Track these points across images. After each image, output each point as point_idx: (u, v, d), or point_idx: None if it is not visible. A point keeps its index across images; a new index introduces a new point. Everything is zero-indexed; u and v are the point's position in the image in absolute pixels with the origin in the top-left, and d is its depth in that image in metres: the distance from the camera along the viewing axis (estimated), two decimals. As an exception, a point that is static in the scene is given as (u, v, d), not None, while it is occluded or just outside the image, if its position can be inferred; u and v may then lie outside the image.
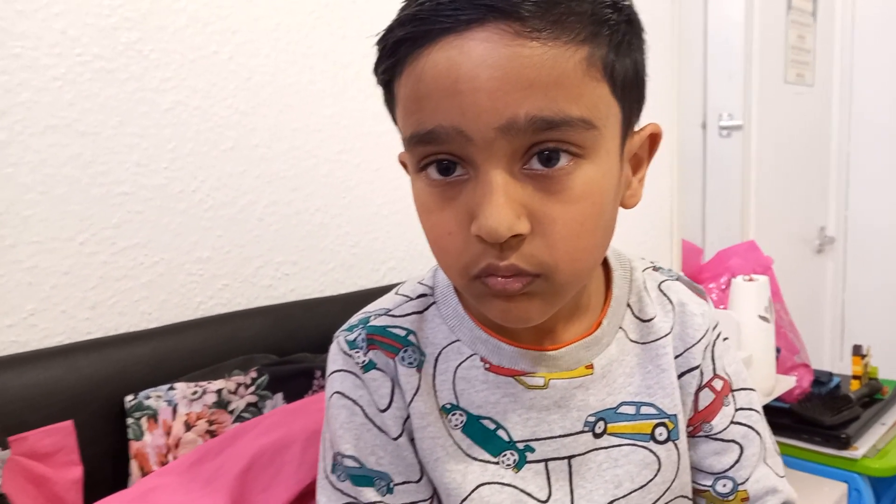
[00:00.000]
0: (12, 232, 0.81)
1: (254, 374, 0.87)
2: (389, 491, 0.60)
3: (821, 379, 1.91)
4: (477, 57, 0.46)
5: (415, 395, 0.60)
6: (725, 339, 0.68)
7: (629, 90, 0.53)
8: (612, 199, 0.53)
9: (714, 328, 0.66)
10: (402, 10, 0.50)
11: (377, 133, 1.17)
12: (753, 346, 1.50)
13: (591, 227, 0.51)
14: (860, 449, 1.64)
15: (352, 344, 0.62)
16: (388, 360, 0.61)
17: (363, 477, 0.60)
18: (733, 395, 0.66)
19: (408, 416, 0.60)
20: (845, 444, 1.64)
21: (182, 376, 0.85)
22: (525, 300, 0.51)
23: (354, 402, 0.61)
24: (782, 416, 1.72)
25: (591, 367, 0.60)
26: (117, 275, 0.89)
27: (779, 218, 2.49)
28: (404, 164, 0.59)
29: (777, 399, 1.61)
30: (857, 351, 1.90)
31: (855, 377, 1.89)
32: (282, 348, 0.96)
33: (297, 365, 0.91)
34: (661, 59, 1.78)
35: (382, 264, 1.21)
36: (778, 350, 1.67)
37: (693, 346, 0.64)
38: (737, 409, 0.66)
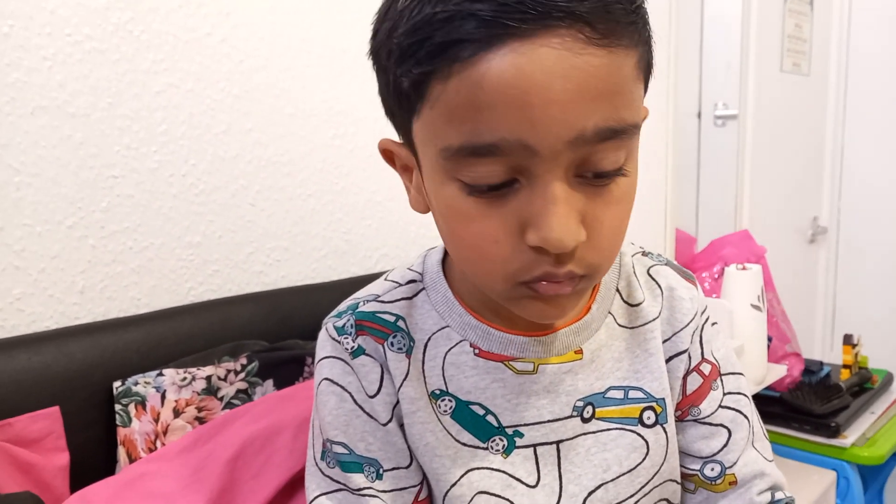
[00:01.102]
0: (1, 215, 0.80)
1: (244, 361, 0.87)
2: (379, 477, 0.60)
3: (811, 368, 1.92)
4: (549, 66, 0.43)
5: (404, 380, 0.60)
6: (714, 323, 0.68)
7: (647, 84, 0.54)
8: (634, 197, 0.54)
9: (702, 312, 0.67)
10: (448, 2, 0.43)
11: (372, 119, 1.16)
12: (745, 334, 1.50)
13: (626, 226, 0.52)
14: (849, 437, 1.65)
15: (340, 330, 0.61)
16: (377, 346, 0.61)
17: (352, 463, 0.60)
18: (721, 380, 0.66)
19: (397, 402, 0.61)
20: (835, 432, 1.65)
21: (172, 362, 0.85)
22: (566, 299, 0.52)
23: (343, 388, 0.61)
24: (773, 405, 1.73)
25: (580, 352, 0.61)
26: (107, 259, 0.89)
27: (772, 207, 2.49)
28: (389, 154, 0.58)
29: (768, 388, 1.62)
30: (848, 340, 1.91)
31: (845, 366, 1.89)
32: (273, 335, 0.96)
33: (288, 351, 0.91)
34: (656, 48, 1.77)
35: (375, 251, 1.20)
36: (769, 339, 1.68)
37: (681, 330, 0.64)
38: (725, 394, 0.66)
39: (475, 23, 0.43)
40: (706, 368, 0.66)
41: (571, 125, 0.44)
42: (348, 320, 0.62)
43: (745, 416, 0.66)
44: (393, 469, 0.61)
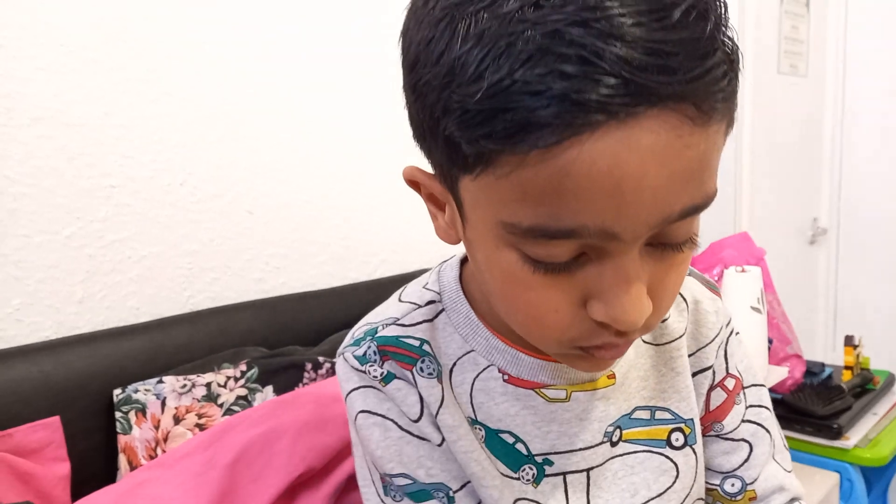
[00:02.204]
0: (-2, 225, 0.80)
1: (243, 368, 0.87)
2: (451, 500, 0.56)
3: (813, 369, 1.91)
4: (648, 153, 0.37)
5: (440, 406, 0.55)
6: (738, 333, 0.65)
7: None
8: None
9: (727, 325, 0.64)
10: (530, 68, 0.36)
11: (369, 125, 1.16)
12: (746, 336, 1.50)
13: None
14: (852, 439, 1.64)
15: (362, 359, 0.56)
16: (405, 372, 0.56)
17: (420, 491, 0.56)
18: (744, 393, 0.64)
19: (438, 428, 0.56)
20: (837, 434, 1.65)
21: (171, 370, 0.85)
22: (618, 356, 0.49)
23: (384, 416, 0.56)
24: (774, 407, 1.71)
25: (612, 376, 0.57)
26: (105, 269, 0.89)
27: (772, 209, 2.49)
28: (414, 183, 0.51)
29: (769, 390, 1.61)
30: (849, 341, 1.90)
31: (847, 367, 1.89)
32: (272, 341, 0.96)
33: (288, 358, 0.91)
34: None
35: (374, 257, 1.20)
36: (770, 341, 1.67)
37: (706, 345, 0.61)
38: (747, 407, 0.64)
39: (567, 103, 0.35)
40: (730, 383, 0.63)
41: (660, 211, 0.40)
42: (369, 347, 0.56)
43: (767, 430, 0.64)
44: (462, 488, 0.57)
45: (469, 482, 0.57)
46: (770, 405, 0.66)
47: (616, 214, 0.39)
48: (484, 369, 0.56)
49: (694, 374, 0.61)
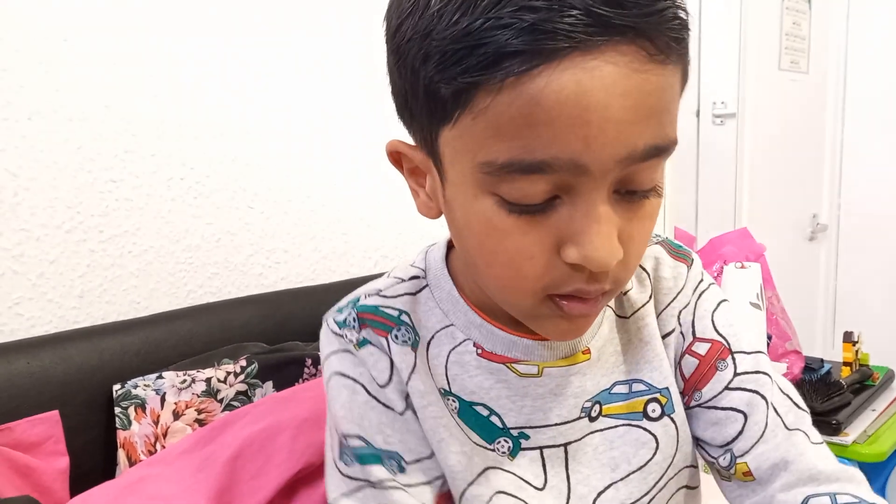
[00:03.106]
0: (-2, 219, 0.80)
1: (243, 363, 0.87)
2: (401, 470, 0.57)
3: (812, 365, 1.91)
4: (610, 83, 0.41)
5: (411, 373, 0.57)
6: (724, 301, 0.63)
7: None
8: None
9: (695, 289, 0.62)
10: (500, 8, 0.40)
11: (369, 120, 1.16)
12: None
13: (648, 239, 0.50)
14: (851, 435, 1.64)
15: (342, 324, 0.59)
16: (380, 339, 0.58)
17: (371, 455, 0.57)
18: (733, 358, 0.60)
19: (407, 395, 0.58)
20: (836, 430, 1.65)
21: (172, 365, 0.85)
22: (589, 317, 0.51)
23: (355, 380, 0.58)
24: (774, 404, 1.72)
25: (587, 351, 0.58)
26: (105, 263, 0.89)
27: (772, 205, 2.49)
28: (396, 156, 0.54)
29: (769, 386, 1.62)
30: (848, 338, 1.91)
31: (846, 364, 1.89)
32: (273, 337, 0.96)
33: (288, 353, 0.91)
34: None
35: (375, 252, 1.20)
36: (769, 337, 1.67)
37: (663, 310, 0.61)
38: (736, 374, 0.60)
39: (535, 33, 0.39)
40: (701, 348, 0.61)
41: (625, 144, 0.42)
42: (350, 314, 0.59)
43: (763, 397, 0.59)
44: (415, 461, 0.58)
45: (424, 458, 0.58)
46: (771, 371, 0.61)
47: (584, 146, 0.41)
48: (460, 343, 0.58)
49: (662, 340, 0.61)
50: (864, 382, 1.85)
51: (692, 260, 0.64)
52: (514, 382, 0.57)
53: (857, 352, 1.90)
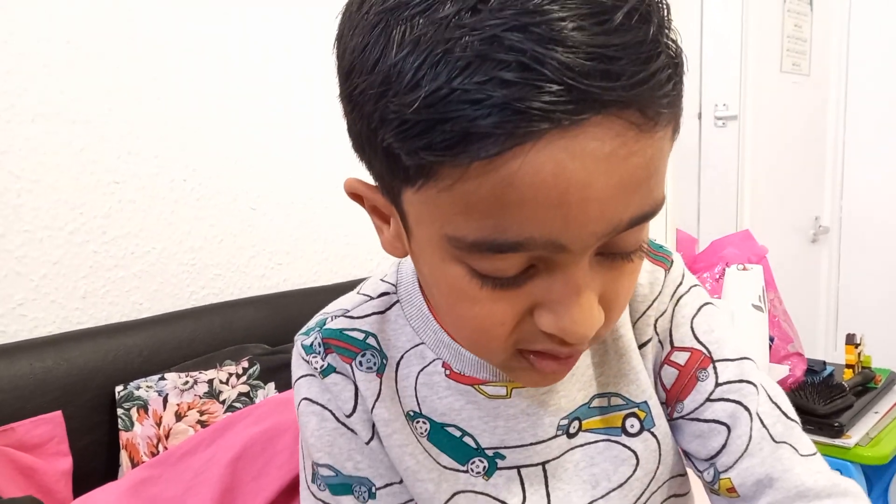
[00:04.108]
0: (2, 221, 0.80)
1: (245, 364, 0.87)
2: (371, 496, 0.57)
3: (814, 368, 1.91)
4: (592, 162, 0.36)
5: (376, 401, 0.56)
6: (706, 304, 0.59)
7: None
8: None
9: (672, 295, 0.59)
10: (467, 77, 0.34)
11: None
12: (747, 335, 1.50)
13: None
14: (853, 437, 1.64)
15: (308, 349, 0.57)
16: (345, 366, 0.56)
17: (341, 485, 0.57)
18: (714, 367, 0.57)
19: (373, 424, 0.56)
20: (838, 432, 1.65)
21: (174, 366, 0.85)
22: (565, 370, 0.48)
23: (323, 406, 0.57)
24: (775, 406, 1.72)
25: None
26: (108, 264, 0.89)
27: (774, 208, 2.49)
28: (358, 198, 0.50)
29: (771, 388, 1.62)
30: (851, 340, 1.90)
31: (848, 366, 1.89)
32: (275, 338, 0.96)
33: (289, 355, 0.91)
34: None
35: (376, 254, 1.21)
36: (772, 339, 1.67)
37: (638, 319, 0.58)
38: (718, 384, 0.56)
39: (508, 112, 0.34)
40: (680, 358, 0.57)
41: (608, 221, 0.38)
42: (315, 338, 0.57)
43: (747, 409, 0.56)
44: (385, 486, 0.57)
45: (394, 483, 0.57)
46: (757, 380, 0.57)
47: (563, 225, 0.38)
48: (430, 363, 0.56)
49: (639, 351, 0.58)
50: (867, 385, 1.85)
51: (671, 262, 0.60)
52: (483, 404, 0.56)
53: (859, 354, 1.90)
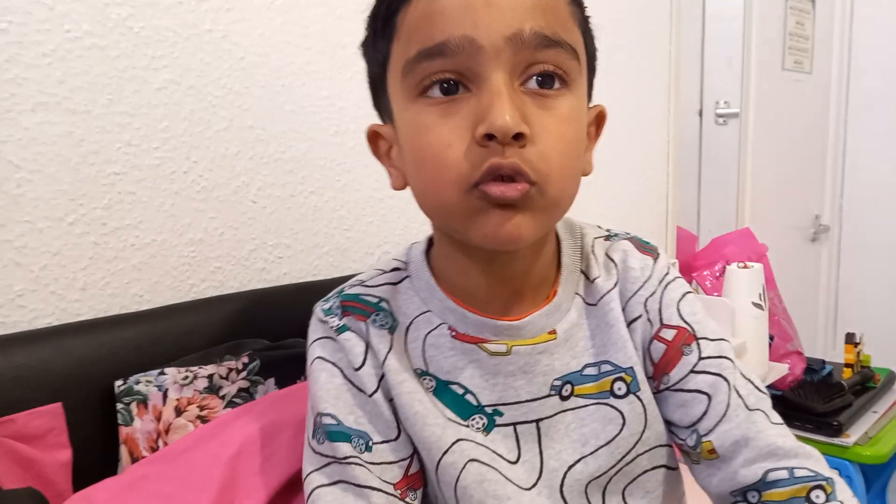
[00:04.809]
0: (2, 211, 0.79)
1: (245, 360, 0.87)
2: (368, 449, 0.61)
3: (813, 366, 1.91)
4: None
5: (388, 353, 0.63)
6: (688, 292, 0.67)
7: (591, 62, 0.61)
8: (584, 136, 0.60)
9: (661, 280, 0.67)
10: None
11: (373, 116, 1.15)
12: (747, 333, 1.50)
13: (573, 150, 0.57)
14: (852, 436, 1.64)
15: (327, 311, 0.65)
16: (360, 325, 0.64)
17: (340, 433, 0.61)
18: (698, 344, 0.64)
19: (383, 375, 0.63)
20: (837, 431, 1.65)
21: (174, 359, 0.84)
22: (519, 215, 0.54)
23: (334, 364, 0.64)
24: (774, 404, 1.72)
25: (553, 332, 0.63)
26: (108, 256, 0.88)
27: (774, 206, 2.49)
28: (375, 139, 0.65)
29: (770, 386, 1.62)
30: (850, 339, 1.91)
31: (847, 365, 1.89)
32: (275, 332, 0.95)
33: (290, 350, 0.91)
34: (657, 46, 1.77)
35: (377, 248, 1.20)
36: (771, 337, 1.67)
37: (630, 297, 0.66)
38: (701, 358, 0.64)
39: None
40: (668, 334, 0.65)
41: (509, 24, 0.52)
42: (334, 303, 0.66)
43: (726, 380, 0.63)
44: (382, 442, 0.62)
45: (391, 440, 0.62)
46: (733, 358, 0.65)
47: (473, 25, 0.52)
48: (436, 327, 0.63)
49: (627, 325, 0.66)
50: (866, 384, 1.85)
51: (658, 255, 0.69)
52: (485, 361, 0.62)
53: (858, 353, 1.90)
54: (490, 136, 0.51)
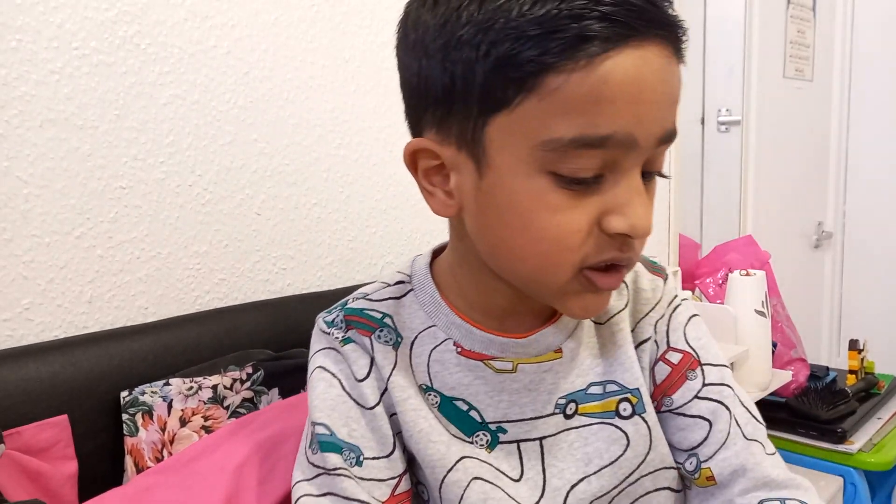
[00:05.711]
0: (10, 226, 0.81)
1: (249, 370, 0.87)
2: (358, 463, 0.61)
3: (817, 373, 1.91)
4: (657, 70, 0.49)
5: (392, 370, 0.62)
6: (694, 315, 0.68)
7: None
8: None
9: (670, 303, 0.68)
10: (572, 3, 0.47)
11: (376, 128, 1.17)
12: (750, 340, 1.50)
13: None
14: (856, 443, 1.64)
15: (330, 323, 0.65)
16: (364, 339, 0.64)
17: (331, 444, 0.61)
18: (702, 370, 0.66)
19: (386, 390, 0.62)
20: (841, 438, 1.65)
21: (179, 371, 0.85)
22: (609, 294, 0.57)
23: (333, 374, 0.63)
24: (778, 411, 1.72)
25: (559, 350, 0.63)
26: (114, 269, 0.89)
27: (777, 213, 2.49)
28: (416, 155, 0.56)
29: (773, 393, 1.62)
30: (854, 346, 1.90)
31: (851, 372, 1.89)
32: (279, 343, 0.96)
33: (294, 360, 0.92)
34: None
35: (380, 259, 1.21)
36: (774, 345, 1.68)
37: (641, 319, 0.67)
38: (705, 384, 0.65)
39: (606, 22, 0.47)
40: (674, 357, 0.66)
41: (662, 124, 0.51)
42: (338, 315, 0.65)
43: (727, 408, 0.64)
44: (374, 458, 0.62)
45: (382, 457, 0.62)
46: (735, 385, 0.66)
47: (637, 122, 0.49)
48: (441, 342, 0.63)
49: (636, 347, 0.66)
50: (870, 391, 1.85)
51: (666, 276, 0.70)
52: (490, 378, 0.62)
53: (862, 360, 1.90)
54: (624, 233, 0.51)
